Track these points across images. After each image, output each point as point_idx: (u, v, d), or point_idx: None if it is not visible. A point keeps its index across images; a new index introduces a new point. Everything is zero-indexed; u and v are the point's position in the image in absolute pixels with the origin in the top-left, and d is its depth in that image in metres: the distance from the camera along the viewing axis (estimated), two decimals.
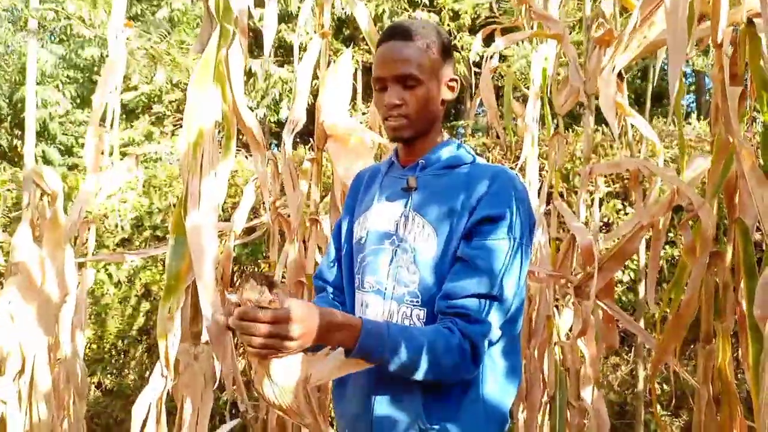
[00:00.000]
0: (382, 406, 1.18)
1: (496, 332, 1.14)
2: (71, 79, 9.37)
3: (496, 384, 1.20)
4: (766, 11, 1.33)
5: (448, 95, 1.28)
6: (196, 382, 1.59)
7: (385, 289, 1.22)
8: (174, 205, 4.67)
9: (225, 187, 1.55)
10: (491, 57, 2.43)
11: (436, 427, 1.14)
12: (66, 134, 9.26)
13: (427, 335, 1.10)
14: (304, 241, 2.62)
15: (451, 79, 1.28)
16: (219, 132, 1.66)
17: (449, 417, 1.15)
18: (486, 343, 1.13)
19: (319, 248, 2.61)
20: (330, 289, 1.38)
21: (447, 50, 1.27)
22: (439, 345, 1.08)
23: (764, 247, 1.85)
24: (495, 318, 1.13)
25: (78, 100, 9.53)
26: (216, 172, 1.55)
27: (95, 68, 9.45)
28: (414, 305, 1.19)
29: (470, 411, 1.16)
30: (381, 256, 1.24)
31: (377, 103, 1.27)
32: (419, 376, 1.09)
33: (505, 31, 2.84)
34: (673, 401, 3.35)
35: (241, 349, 4.46)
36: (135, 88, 8.07)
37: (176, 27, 8.54)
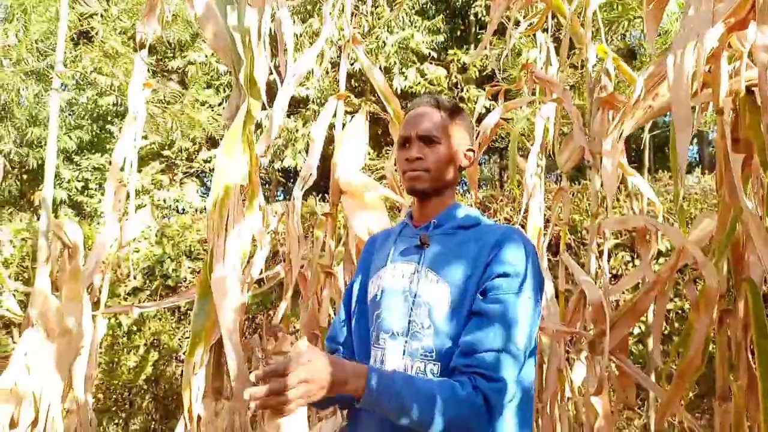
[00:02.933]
0: None
1: (511, 387, 1.16)
2: (78, 125, 9.63)
3: None
4: (763, 85, 1.40)
5: (464, 162, 1.38)
6: None
7: (401, 344, 1.24)
8: (186, 254, 4.73)
9: (249, 243, 1.62)
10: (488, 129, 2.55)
11: None
12: (71, 179, 9.44)
13: (434, 387, 1.11)
14: (317, 294, 2.66)
15: (469, 149, 1.38)
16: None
17: None
18: (502, 398, 1.14)
19: (332, 301, 2.64)
20: (341, 350, 1.41)
21: (466, 122, 1.39)
22: (446, 397, 1.10)
23: None
24: (510, 372, 1.15)
25: (89, 146, 9.77)
26: (240, 231, 1.62)
27: (108, 116, 9.72)
28: (428, 360, 1.21)
29: None
30: (396, 311, 1.27)
31: (399, 159, 1.37)
32: (425, 427, 1.10)
33: (508, 92, 2.95)
34: None
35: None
36: (145, 137, 8.28)
37: (189, 85, 8.84)
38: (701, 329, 1.84)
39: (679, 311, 3.72)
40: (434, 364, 1.20)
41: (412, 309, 1.25)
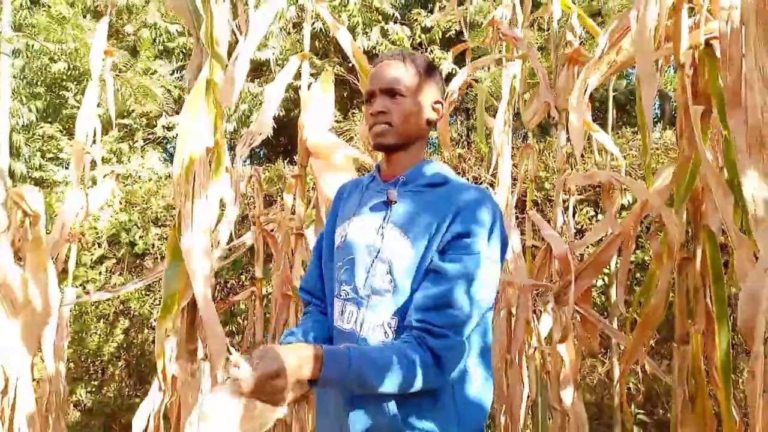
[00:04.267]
0: (358, 416, 1.21)
1: (462, 343, 1.19)
2: (34, 94, 9.25)
3: (467, 392, 1.25)
4: (724, 41, 1.42)
5: (432, 116, 1.35)
6: (192, 398, 1.63)
7: (361, 297, 1.25)
8: (152, 221, 4.66)
9: (217, 209, 1.60)
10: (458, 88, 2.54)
11: None
12: (28, 144, 9.11)
13: (386, 354, 1.14)
14: (288, 255, 2.67)
15: (436, 102, 1.36)
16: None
17: (423, 424, 1.20)
18: (453, 354, 1.17)
19: (304, 262, 2.65)
20: (316, 301, 1.43)
21: (433, 75, 1.36)
22: (399, 362, 1.12)
23: (729, 251, 1.96)
24: (461, 329, 1.17)
25: (44, 114, 9.41)
26: (208, 195, 1.60)
27: (63, 83, 9.36)
28: (387, 314, 1.22)
29: (442, 417, 1.21)
30: (358, 265, 1.27)
31: (366, 114, 1.36)
32: (384, 391, 1.14)
33: (475, 50, 2.94)
34: (650, 401, 3.47)
35: None
36: (99, 105, 8.02)
37: (140, 51, 8.56)
38: (664, 278, 1.91)
39: (640, 262, 3.84)
40: (392, 319, 1.22)
41: (373, 263, 1.25)
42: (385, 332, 1.22)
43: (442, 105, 1.38)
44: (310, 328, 1.35)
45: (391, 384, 1.13)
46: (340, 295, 1.30)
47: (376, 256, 1.25)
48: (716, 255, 1.72)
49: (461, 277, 1.17)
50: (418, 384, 1.15)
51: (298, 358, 1.04)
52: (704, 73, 1.74)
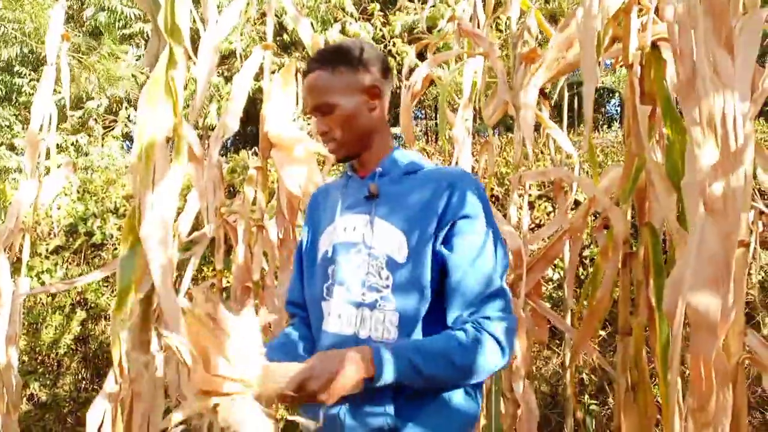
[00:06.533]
0: (354, 406, 1.18)
1: (510, 319, 1.18)
2: None
3: (461, 391, 1.22)
4: (674, 36, 1.49)
5: (374, 101, 1.29)
6: (147, 390, 1.63)
7: (357, 296, 1.22)
8: (111, 211, 4.58)
9: (177, 197, 1.60)
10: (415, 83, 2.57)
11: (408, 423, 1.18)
12: None
13: (442, 344, 1.13)
14: (249, 247, 2.67)
15: (371, 86, 1.28)
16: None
17: (417, 414, 1.18)
18: (508, 333, 1.16)
19: (265, 254, 2.66)
20: (302, 313, 1.39)
21: (358, 61, 1.28)
22: (456, 350, 1.12)
23: (667, 248, 2.06)
24: (504, 307, 1.18)
25: None
26: (167, 183, 1.61)
27: (13, 66, 9.05)
28: (387, 309, 1.20)
29: (438, 417, 1.19)
30: (351, 265, 1.24)
31: None
32: (444, 382, 1.15)
33: (437, 50, 2.99)
34: (602, 391, 3.59)
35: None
36: (57, 91, 7.81)
37: (101, 36, 8.34)
38: (609, 271, 1.99)
39: (593, 258, 3.97)
40: (393, 314, 1.20)
41: (368, 261, 1.23)
42: (387, 329, 1.20)
43: (378, 85, 1.30)
44: (297, 340, 1.35)
45: (447, 372, 1.13)
46: (332, 297, 1.27)
47: (369, 253, 1.23)
48: (658, 250, 1.80)
49: (479, 261, 1.17)
50: (477, 368, 1.14)
51: (352, 362, 1.06)
52: (650, 73, 1.82)
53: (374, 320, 1.20)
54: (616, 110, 13.84)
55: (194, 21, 1.81)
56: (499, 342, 1.15)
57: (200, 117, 8.53)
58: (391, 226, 1.23)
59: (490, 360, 1.14)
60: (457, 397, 1.22)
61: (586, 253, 4.05)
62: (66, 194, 4.64)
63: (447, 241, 1.20)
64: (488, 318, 1.16)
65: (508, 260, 1.25)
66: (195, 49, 1.77)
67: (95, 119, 8.85)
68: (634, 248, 1.98)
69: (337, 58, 1.27)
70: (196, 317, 0.95)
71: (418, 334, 1.20)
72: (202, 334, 0.95)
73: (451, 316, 1.18)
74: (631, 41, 1.83)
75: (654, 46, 1.78)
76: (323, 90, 1.26)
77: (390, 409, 1.17)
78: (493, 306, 1.17)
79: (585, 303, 2.32)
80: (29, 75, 8.70)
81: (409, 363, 1.10)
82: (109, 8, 8.52)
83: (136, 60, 8.48)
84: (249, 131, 10.53)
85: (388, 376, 1.09)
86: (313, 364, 1.05)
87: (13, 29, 7.46)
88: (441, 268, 1.20)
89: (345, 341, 1.21)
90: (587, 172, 4.02)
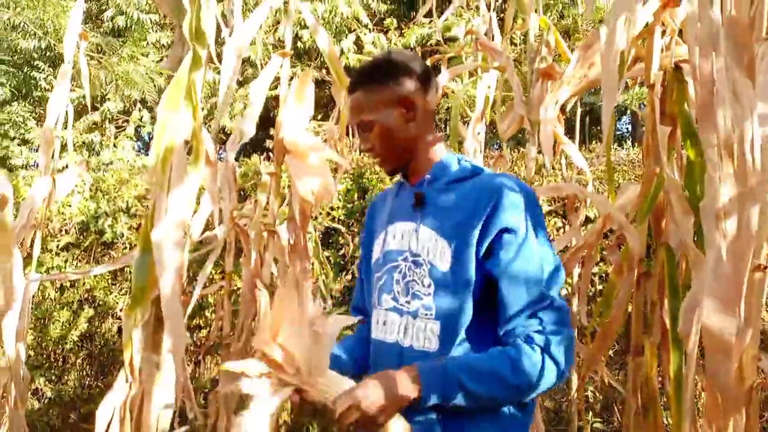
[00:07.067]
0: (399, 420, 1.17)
1: (563, 332, 1.15)
2: (9, 72, 9.02)
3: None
4: (694, 58, 1.48)
5: (410, 112, 1.29)
6: (157, 389, 1.63)
7: (401, 304, 1.24)
8: (123, 211, 4.60)
9: (193, 202, 1.61)
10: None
11: None
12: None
13: (491, 362, 1.12)
14: (260, 252, 2.67)
15: (404, 98, 1.28)
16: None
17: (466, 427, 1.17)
18: (561, 346, 1.13)
19: (275, 260, 2.66)
20: (365, 318, 1.43)
21: (388, 76, 1.29)
22: (506, 367, 1.11)
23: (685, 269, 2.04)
24: (555, 319, 1.14)
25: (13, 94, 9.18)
26: (184, 188, 1.61)
27: (32, 61, 9.12)
28: (428, 318, 1.20)
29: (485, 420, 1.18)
30: (395, 272, 1.27)
31: None
32: (495, 401, 1.13)
33: (452, 61, 2.99)
34: (606, 409, 3.55)
35: (193, 356, 4.42)
36: (74, 89, 7.89)
37: (125, 37, 8.42)
38: (623, 290, 1.98)
39: (603, 275, 3.94)
40: (434, 323, 1.20)
41: (412, 269, 1.24)
42: (428, 338, 1.20)
43: (409, 96, 1.29)
44: (352, 346, 1.39)
45: (499, 390, 1.12)
46: (380, 305, 1.30)
47: (414, 261, 1.25)
48: (674, 271, 1.79)
49: (527, 272, 1.15)
50: (531, 385, 1.12)
51: (394, 385, 1.07)
52: (672, 94, 1.81)
53: (416, 329, 1.22)
54: (627, 128, 13.82)
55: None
56: (554, 358, 1.13)
57: (210, 120, 8.60)
58: (435, 234, 1.23)
59: (545, 378, 1.12)
60: (511, 408, 1.20)
61: (595, 270, 4.03)
62: (78, 192, 4.67)
63: (492, 252, 1.18)
64: (541, 331, 1.13)
65: (562, 274, 1.22)
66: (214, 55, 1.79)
67: (109, 120, 8.92)
68: (648, 267, 1.97)
69: (369, 76, 1.31)
70: (286, 295, 1.02)
71: (460, 345, 1.19)
72: (285, 313, 1.02)
73: (502, 329, 1.17)
74: (654, 61, 1.83)
75: (677, 67, 1.78)
76: (360, 109, 1.30)
77: (435, 420, 1.17)
78: (546, 319, 1.14)
79: (597, 320, 2.30)
80: (47, 71, 8.76)
81: (458, 384, 1.10)
82: (126, 14, 8.61)
83: (157, 62, 8.53)
84: (259, 135, 10.57)
85: (435, 399, 1.10)
86: (358, 393, 1.06)
87: (33, 25, 7.54)
88: (486, 279, 1.19)
89: (389, 349, 1.24)
90: (598, 189, 4.00)
